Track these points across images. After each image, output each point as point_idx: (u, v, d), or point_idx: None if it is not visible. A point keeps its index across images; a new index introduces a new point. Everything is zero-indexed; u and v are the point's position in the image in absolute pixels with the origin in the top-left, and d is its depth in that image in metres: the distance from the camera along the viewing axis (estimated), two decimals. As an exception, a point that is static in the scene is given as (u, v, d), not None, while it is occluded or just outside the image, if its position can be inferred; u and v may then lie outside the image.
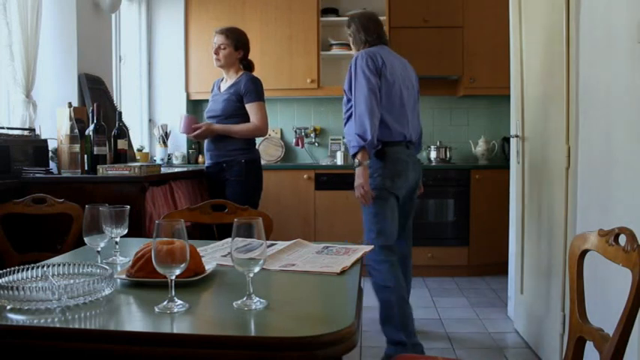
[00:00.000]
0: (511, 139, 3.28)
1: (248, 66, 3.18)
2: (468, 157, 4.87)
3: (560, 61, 2.47)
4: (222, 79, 3.22)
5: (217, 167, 3.12)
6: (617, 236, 1.21)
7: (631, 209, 1.90)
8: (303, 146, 4.90)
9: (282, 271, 1.41)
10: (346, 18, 3.02)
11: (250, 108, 3.04)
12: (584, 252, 1.33)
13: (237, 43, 3.10)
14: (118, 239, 1.53)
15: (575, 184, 2.38)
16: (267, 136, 4.65)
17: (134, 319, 1.13)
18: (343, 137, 4.69)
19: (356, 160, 2.59)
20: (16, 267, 1.27)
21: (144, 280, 1.26)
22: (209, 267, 1.36)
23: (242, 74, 3.11)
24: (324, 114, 4.97)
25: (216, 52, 3.10)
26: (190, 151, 4.85)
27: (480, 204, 4.33)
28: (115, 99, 3.66)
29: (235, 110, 3.05)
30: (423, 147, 4.81)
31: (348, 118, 2.69)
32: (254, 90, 3.04)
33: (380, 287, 2.71)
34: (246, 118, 3.06)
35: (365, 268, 2.36)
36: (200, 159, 4.79)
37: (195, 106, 4.92)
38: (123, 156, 2.85)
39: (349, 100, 2.68)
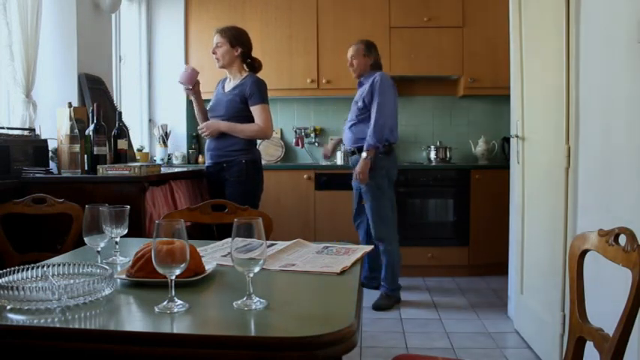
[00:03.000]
0: (511, 139, 3.28)
1: (252, 65, 3.16)
2: (468, 157, 4.87)
3: (560, 61, 2.47)
4: (226, 79, 3.21)
5: (217, 167, 3.11)
6: (617, 236, 1.21)
7: (631, 209, 1.91)
8: (303, 146, 4.90)
9: (282, 271, 1.41)
10: None
11: (255, 110, 3.03)
12: (584, 252, 1.33)
13: (232, 40, 3.07)
14: (118, 239, 1.52)
15: (575, 184, 2.38)
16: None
17: (134, 319, 1.13)
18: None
19: (364, 154, 3.51)
20: (16, 267, 1.27)
21: (144, 280, 1.26)
22: (209, 267, 1.36)
23: (247, 76, 3.09)
24: (324, 114, 4.97)
25: (214, 52, 3.10)
26: (190, 151, 4.86)
27: (480, 204, 4.33)
28: (115, 99, 3.66)
29: (238, 111, 3.04)
30: (422, 147, 4.89)
31: (360, 121, 3.60)
32: (258, 92, 3.02)
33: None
34: (248, 120, 3.05)
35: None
36: (200, 159, 4.79)
37: (195, 106, 4.92)
38: (123, 156, 2.85)
39: (365, 107, 3.55)
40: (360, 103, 3.61)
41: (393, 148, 3.65)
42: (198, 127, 3.18)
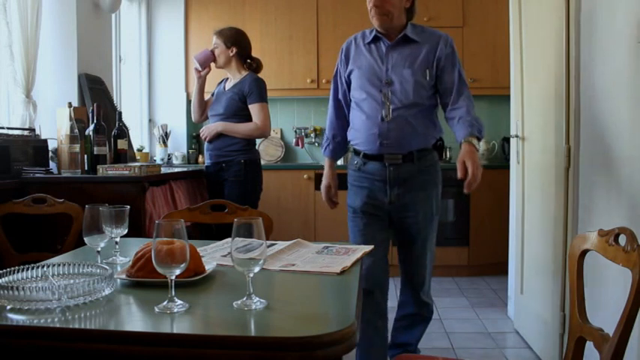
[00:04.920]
0: (511, 139, 3.28)
1: (252, 65, 3.17)
2: (468, 157, 4.86)
3: (560, 61, 2.47)
4: (227, 79, 3.23)
5: (217, 167, 3.12)
6: (617, 236, 1.21)
7: (631, 209, 1.90)
8: (303, 146, 4.90)
9: (282, 271, 1.41)
10: None
11: (253, 109, 3.04)
12: (584, 252, 1.33)
13: (226, 40, 3.09)
14: (118, 239, 1.52)
15: (575, 184, 2.38)
16: (267, 136, 4.66)
17: (134, 319, 1.13)
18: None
19: (480, 143, 2.20)
20: (16, 267, 1.27)
21: (144, 280, 1.26)
22: (209, 267, 1.36)
23: (247, 75, 3.11)
24: (324, 114, 4.95)
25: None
26: (190, 151, 4.86)
27: (480, 204, 4.33)
28: (115, 99, 3.66)
29: (237, 110, 3.05)
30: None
31: (428, 107, 2.20)
32: (257, 91, 3.04)
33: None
34: (247, 119, 3.06)
35: None
36: (200, 159, 4.79)
37: (195, 106, 4.93)
38: (123, 156, 2.85)
39: (434, 83, 2.16)
40: (427, 78, 2.15)
41: None
42: (200, 132, 3.21)
